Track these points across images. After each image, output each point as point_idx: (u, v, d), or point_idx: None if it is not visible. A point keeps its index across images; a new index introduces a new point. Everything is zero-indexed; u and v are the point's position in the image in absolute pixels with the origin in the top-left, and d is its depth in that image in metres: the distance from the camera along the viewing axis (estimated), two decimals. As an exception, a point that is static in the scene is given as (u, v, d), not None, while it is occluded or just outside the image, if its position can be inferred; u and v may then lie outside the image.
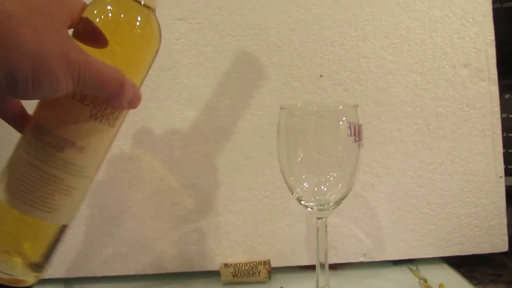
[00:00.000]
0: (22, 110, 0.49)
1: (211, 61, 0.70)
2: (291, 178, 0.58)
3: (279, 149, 0.58)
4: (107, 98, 0.44)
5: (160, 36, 0.52)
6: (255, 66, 0.70)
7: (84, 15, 0.47)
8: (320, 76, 0.71)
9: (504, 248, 0.73)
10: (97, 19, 0.47)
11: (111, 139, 0.52)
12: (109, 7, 0.48)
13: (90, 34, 0.45)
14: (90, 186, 0.53)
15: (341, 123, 0.56)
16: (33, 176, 0.48)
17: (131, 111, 0.48)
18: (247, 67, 0.70)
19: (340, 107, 0.58)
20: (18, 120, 0.48)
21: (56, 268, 0.68)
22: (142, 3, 0.49)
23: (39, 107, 0.50)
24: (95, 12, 0.48)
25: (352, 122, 0.56)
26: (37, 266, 0.52)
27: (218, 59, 0.70)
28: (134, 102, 0.46)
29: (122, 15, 0.49)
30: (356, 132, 0.56)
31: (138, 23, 0.49)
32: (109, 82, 0.43)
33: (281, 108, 0.58)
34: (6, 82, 0.36)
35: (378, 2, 0.72)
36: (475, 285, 0.67)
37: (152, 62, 0.52)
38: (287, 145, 0.57)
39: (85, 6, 0.47)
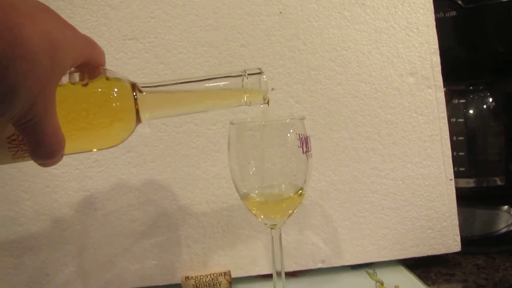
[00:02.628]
0: None
1: (163, 79, 0.71)
2: (244, 191, 0.60)
3: (230, 163, 0.60)
4: (31, 150, 0.42)
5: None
6: (208, 82, 0.72)
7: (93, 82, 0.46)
8: (272, 89, 0.73)
9: (457, 248, 0.75)
10: (98, 89, 0.46)
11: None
12: (114, 92, 0.47)
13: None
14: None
15: (289, 135, 0.58)
16: None
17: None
18: (200, 83, 0.72)
19: (288, 120, 0.60)
20: None
21: (17, 290, 0.69)
22: (136, 107, 0.48)
23: None
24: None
25: (300, 134, 0.58)
26: None
27: (171, 77, 0.71)
28: (45, 165, 0.44)
29: (115, 103, 0.46)
30: (304, 144, 0.58)
31: (120, 122, 0.47)
32: (45, 146, 0.41)
33: (231, 123, 0.60)
34: None
35: (324, 15, 0.74)
36: (429, 285, 0.69)
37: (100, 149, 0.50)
38: (238, 159, 0.59)
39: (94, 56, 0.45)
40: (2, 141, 0.44)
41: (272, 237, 0.62)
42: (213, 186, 0.72)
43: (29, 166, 0.69)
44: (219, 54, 0.72)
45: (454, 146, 0.78)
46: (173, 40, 0.72)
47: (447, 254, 0.76)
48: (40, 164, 0.43)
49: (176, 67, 0.72)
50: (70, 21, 0.69)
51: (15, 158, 0.45)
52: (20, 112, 0.37)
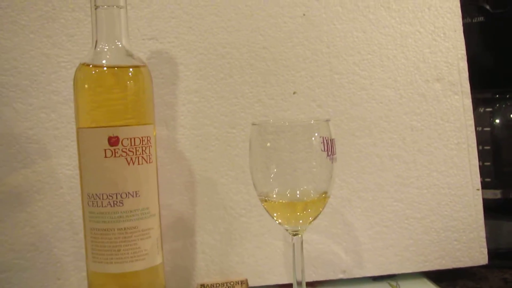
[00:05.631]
0: None
1: (183, 80, 0.70)
2: (265, 192, 0.57)
3: (251, 165, 0.58)
4: None
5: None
6: (228, 84, 0.70)
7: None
8: (294, 93, 0.71)
9: (484, 261, 0.72)
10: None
11: (155, 173, 0.59)
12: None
13: None
14: (160, 219, 0.60)
15: (313, 138, 0.56)
16: (112, 238, 0.55)
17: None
18: (219, 85, 0.70)
19: (312, 122, 0.57)
20: None
21: (27, 294, 0.66)
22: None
23: (82, 178, 0.57)
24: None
25: (325, 137, 0.56)
26: None
27: (190, 78, 0.70)
28: None
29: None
30: (329, 147, 0.56)
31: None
32: None
33: (253, 124, 0.58)
34: None
35: (348, 18, 0.72)
36: (455, 299, 0.66)
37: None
38: (259, 160, 0.57)
39: None
40: None
41: (294, 244, 0.59)
42: (231, 191, 0.70)
43: (43, 166, 0.67)
44: (240, 56, 0.71)
45: (480, 156, 0.75)
46: (194, 40, 0.70)
47: (472, 268, 0.73)
48: None
49: (197, 68, 0.70)
50: (89, 19, 0.68)
51: None
52: None
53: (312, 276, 0.70)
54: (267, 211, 0.58)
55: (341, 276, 0.71)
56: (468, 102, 0.73)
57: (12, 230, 0.67)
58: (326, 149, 0.56)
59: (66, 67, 0.68)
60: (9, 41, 0.67)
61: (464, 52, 0.74)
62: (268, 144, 0.56)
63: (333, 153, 0.56)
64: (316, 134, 0.56)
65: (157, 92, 0.69)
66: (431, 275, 0.72)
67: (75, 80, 0.58)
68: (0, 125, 0.67)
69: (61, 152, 0.68)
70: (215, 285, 0.67)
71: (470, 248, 0.72)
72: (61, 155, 0.68)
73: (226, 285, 0.67)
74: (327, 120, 0.57)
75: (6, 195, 0.67)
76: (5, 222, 0.67)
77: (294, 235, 0.59)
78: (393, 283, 0.71)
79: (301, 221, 0.58)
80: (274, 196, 0.57)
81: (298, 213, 0.57)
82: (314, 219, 0.58)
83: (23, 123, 0.67)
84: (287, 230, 0.59)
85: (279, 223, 0.58)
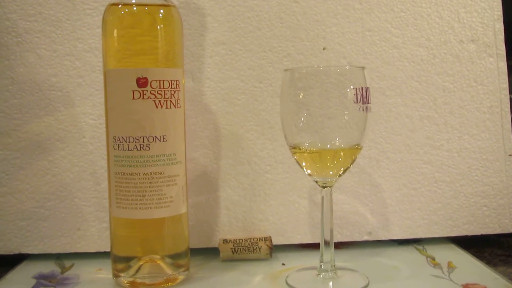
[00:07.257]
0: None
1: (211, 31, 0.68)
2: (295, 142, 0.56)
3: (282, 112, 0.56)
4: None
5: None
6: (256, 37, 0.68)
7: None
8: (324, 49, 0.69)
9: (514, 228, 0.70)
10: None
11: (182, 119, 0.57)
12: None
13: None
14: (186, 167, 0.58)
15: (348, 90, 0.54)
16: (137, 183, 0.54)
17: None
18: (248, 38, 0.68)
19: (347, 67, 0.56)
20: None
21: (46, 243, 0.65)
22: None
23: (108, 120, 0.56)
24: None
25: (359, 86, 0.54)
26: (180, 260, 0.58)
27: (218, 30, 0.68)
28: None
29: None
30: (363, 96, 0.54)
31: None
32: None
33: (285, 70, 0.56)
34: None
35: (383, -26, 0.70)
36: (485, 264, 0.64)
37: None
38: (291, 107, 0.55)
39: None
40: None
41: (323, 197, 0.58)
42: (256, 146, 0.68)
43: (66, 114, 0.66)
44: (270, 9, 0.69)
45: (512, 124, 0.73)
46: (222, -9, 0.68)
47: (500, 236, 0.71)
48: None
49: (225, 20, 0.68)
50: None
51: None
52: None
53: (337, 237, 0.68)
54: (297, 162, 0.57)
55: (366, 238, 0.69)
56: (503, 65, 0.71)
57: (33, 178, 0.65)
58: (360, 98, 0.54)
59: (92, 14, 0.66)
60: (35, -15, 0.65)
61: (500, 13, 0.71)
62: (299, 90, 0.54)
63: (367, 101, 0.54)
64: (350, 80, 0.54)
65: (184, 43, 0.67)
66: (458, 242, 0.70)
67: (103, 19, 0.56)
68: (23, 71, 0.65)
69: (84, 100, 0.66)
70: (238, 241, 0.65)
71: (500, 215, 0.70)
72: (85, 104, 0.66)
73: (250, 241, 0.65)
74: (362, 68, 0.55)
75: (27, 142, 0.65)
76: (26, 170, 0.65)
77: (324, 187, 0.57)
78: (420, 247, 0.69)
79: (331, 172, 0.56)
80: (306, 145, 0.55)
81: (329, 163, 0.55)
82: (345, 171, 0.56)
83: (46, 70, 0.66)
84: (316, 182, 0.57)
85: (309, 174, 0.57)
